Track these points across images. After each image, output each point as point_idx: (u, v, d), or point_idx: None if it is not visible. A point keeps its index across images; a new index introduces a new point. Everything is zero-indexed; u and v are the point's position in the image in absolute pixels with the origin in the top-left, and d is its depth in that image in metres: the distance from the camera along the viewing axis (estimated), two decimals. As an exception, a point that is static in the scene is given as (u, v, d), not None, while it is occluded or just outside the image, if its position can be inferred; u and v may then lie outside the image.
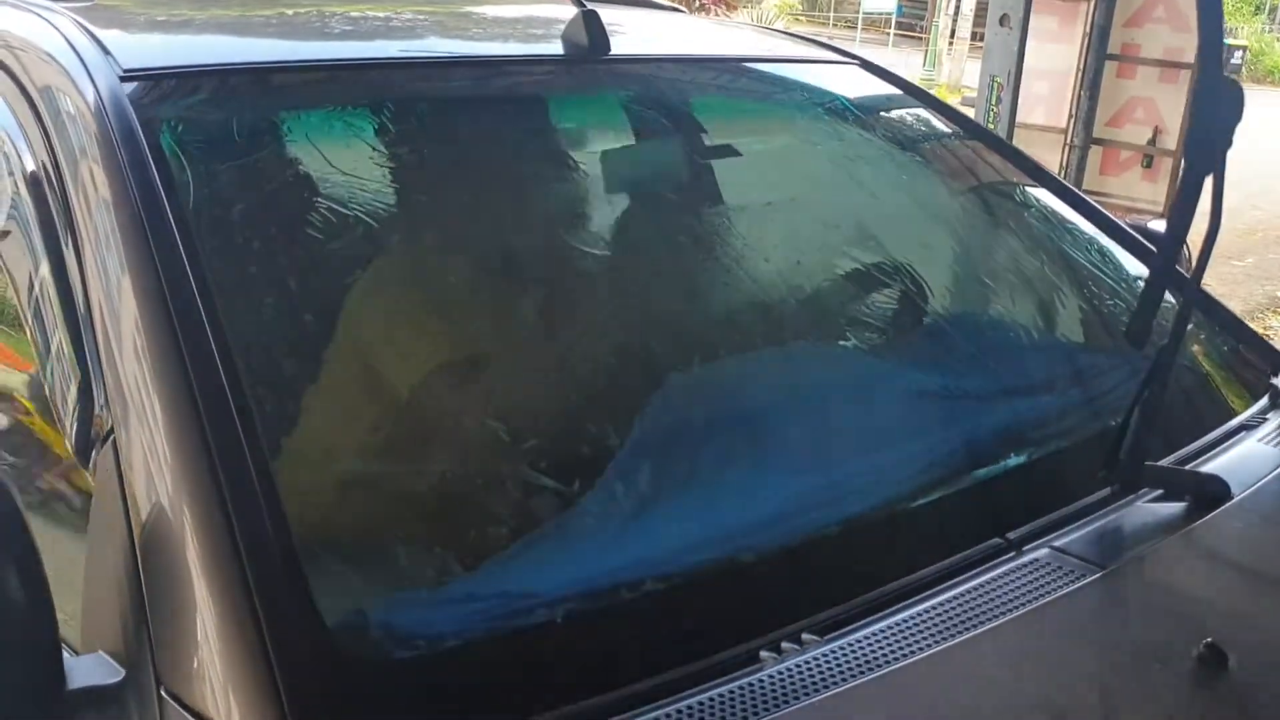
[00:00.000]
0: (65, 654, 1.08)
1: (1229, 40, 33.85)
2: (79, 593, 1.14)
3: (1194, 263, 1.38)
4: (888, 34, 27.37)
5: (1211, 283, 8.60)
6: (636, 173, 1.85)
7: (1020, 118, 4.34)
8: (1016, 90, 4.22)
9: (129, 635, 1.06)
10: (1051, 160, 4.26)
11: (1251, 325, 6.70)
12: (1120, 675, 1.15)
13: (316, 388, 1.26)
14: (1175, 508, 1.40)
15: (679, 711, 1.03)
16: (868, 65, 2.27)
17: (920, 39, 27.08)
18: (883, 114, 2.19)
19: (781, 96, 2.17)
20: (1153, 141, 4.14)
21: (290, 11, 2.05)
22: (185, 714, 0.99)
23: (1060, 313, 1.83)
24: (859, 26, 27.97)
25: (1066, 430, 1.54)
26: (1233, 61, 33.37)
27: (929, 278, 1.75)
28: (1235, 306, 7.98)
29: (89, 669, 1.06)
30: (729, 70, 2.11)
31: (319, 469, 1.18)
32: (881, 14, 28.05)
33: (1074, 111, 4.27)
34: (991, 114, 4.30)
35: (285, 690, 0.96)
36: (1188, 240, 1.80)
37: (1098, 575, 1.26)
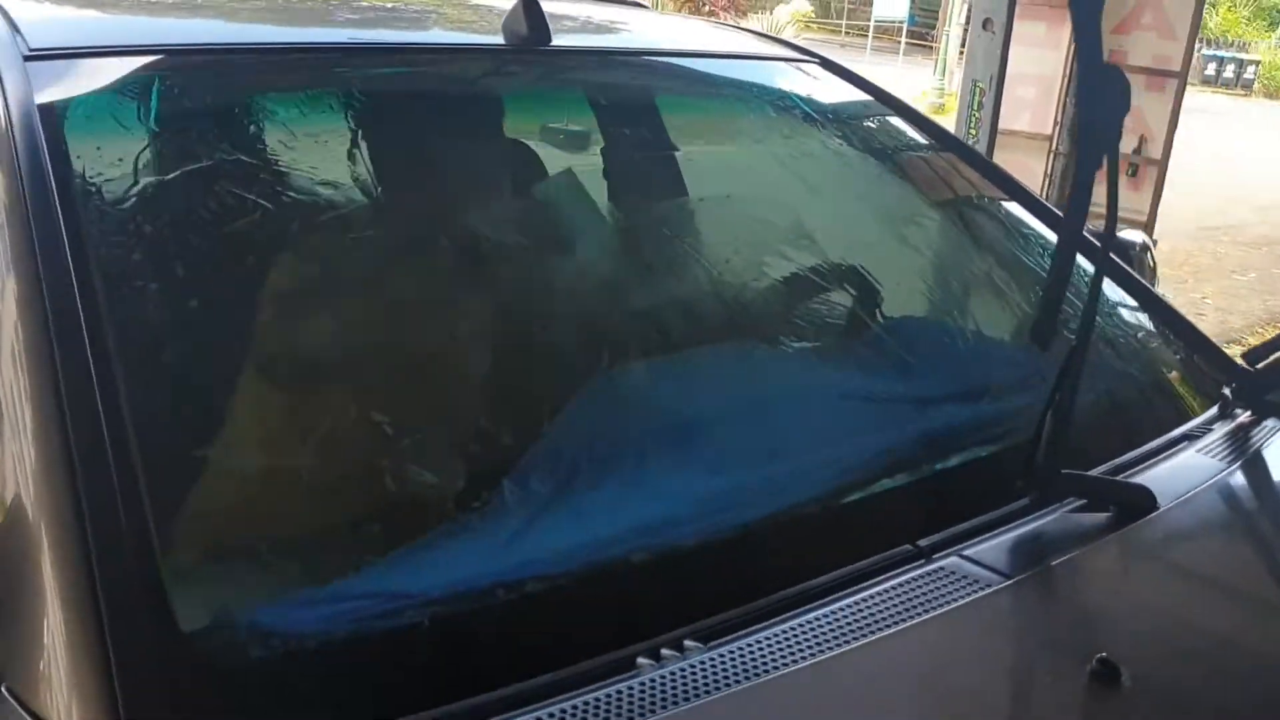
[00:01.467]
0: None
1: (1242, 55, 33.69)
2: None
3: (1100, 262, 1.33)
4: (899, 42, 27.30)
5: (1211, 297, 8.55)
6: (565, 164, 1.82)
7: (1005, 124, 4.29)
8: (999, 95, 4.16)
9: None
10: (1036, 167, 4.21)
11: (1251, 339, 6.61)
12: (1010, 688, 1.11)
13: (190, 386, 1.22)
14: (1095, 519, 1.35)
15: (548, 716, 0.99)
16: (828, 64, 2.23)
17: (932, 47, 27.03)
18: (838, 112, 2.15)
19: (731, 92, 2.13)
20: (1138, 150, 4.09)
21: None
22: (24, 714, 0.96)
23: (992, 315, 1.79)
24: (870, 34, 27.94)
25: (988, 437, 1.50)
26: (1245, 76, 33.18)
27: (855, 279, 1.71)
28: (1235, 320, 7.94)
29: None
30: (678, 64, 2.07)
31: (185, 469, 1.14)
32: (894, 22, 28.00)
33: (1059, 118, 4.22)
34: (973, 119, 4.25)
35: (122, 693, 0.92)
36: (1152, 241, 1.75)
37: (1001, 585, 1.21)
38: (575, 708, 1.01)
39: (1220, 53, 33.67)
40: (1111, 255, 1.40)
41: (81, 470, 1.01)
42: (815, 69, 2.19)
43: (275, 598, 1.09)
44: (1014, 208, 1.93)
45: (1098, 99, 1.10)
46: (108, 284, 1.20)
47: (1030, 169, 4.19)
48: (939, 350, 1.66)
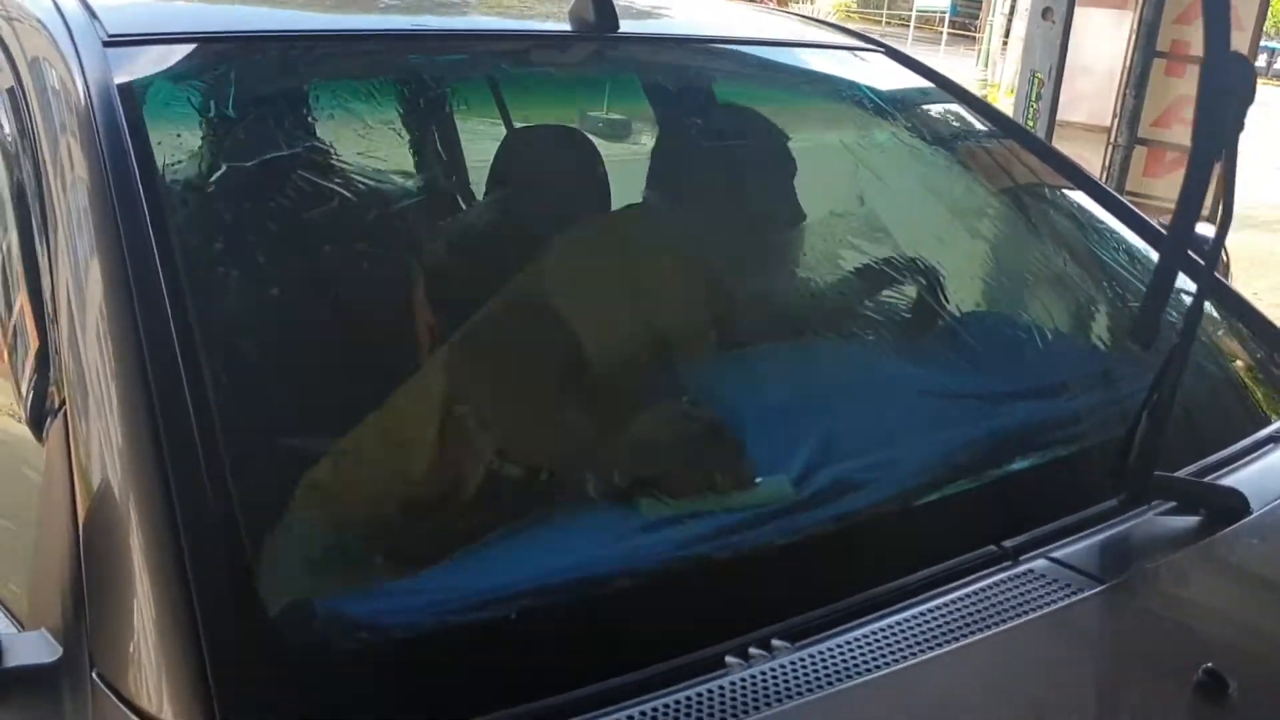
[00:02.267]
0: (11, 629, 1.05)
1: (1267, 42, 33.23)
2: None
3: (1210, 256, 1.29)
4: (941, 32, 27.06)
5: (1262, 292, 8.43)
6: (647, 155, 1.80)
7: (1062, 115, 4.22)
8: (1058, 86, 4.10)
9: (68, 615, 1.02)
10: (1094, 160, 4.14)
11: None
12: (1110, 698, 1.08)
13: (277, 377, 1.22)
14: (1187, 522, 1.32)
15: (634, 716, 0.98)
16: (894, 54, 2.19)
17: (974, 38, 26.77)
18: (909, 104, 2.11)
19: (802, 82, 2.10)
20: (1202, 143, 3.97)
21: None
22: (115, 701, 0.95)
23: (1078, 313, 1.75)
24: (911, 24, 27.72)
25: (1074, 436, 1.47)
26: (1276, 66, 32.57)
27: (939, 275, 1.67)
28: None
29: (28, 646, 1.02)
30: (746, 52, 2.05)
31: (272, 460, 1.13)
32: (936, 12, 27.77)
33: (1119, 110, 4.14)
34: (1031, 110, 4.18)
35: (215, 684, 0.91)
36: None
37: (1096, 589, 1.18)
38: (666, 706, 0.99)
39: (1273, 44, 33.16)
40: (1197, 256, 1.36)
41: (170, 456, 1.01)
42: (882, 58, 2.15)
43: (363, 588, 1.08)
44: (1094, 205, 1.89)
45: (1221, 87, 1.07)
46: (190, 266, 1.19)
47: (1088, 161, 4.11)
48: (1023, 347, 1.63)
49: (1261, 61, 32.38)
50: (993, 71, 22.05)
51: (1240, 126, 1.12)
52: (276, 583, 1.02)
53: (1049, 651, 1.13)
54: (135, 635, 0.97)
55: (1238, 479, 1.44)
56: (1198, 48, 4.15)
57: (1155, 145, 4.19)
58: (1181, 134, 4.08)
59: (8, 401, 1.28)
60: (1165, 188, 4.11)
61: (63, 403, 1.11)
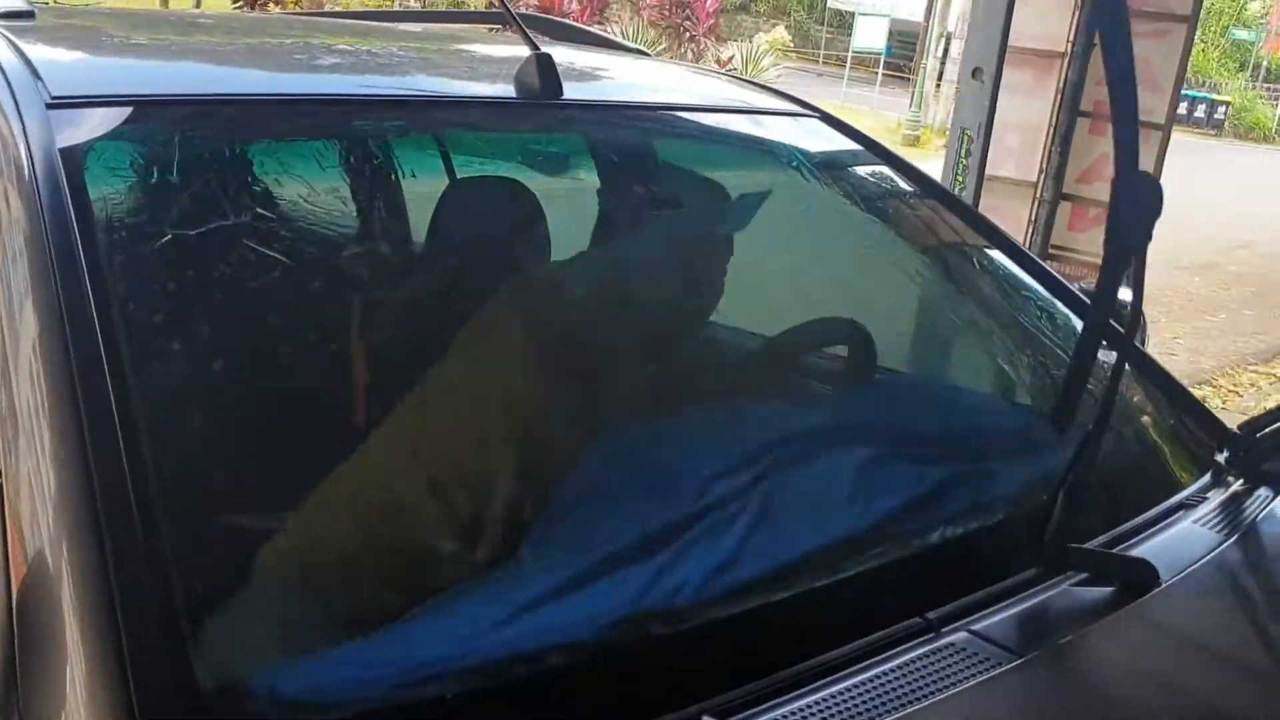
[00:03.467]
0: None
1: (1213, 95, 34.25)
2: None
3: (1125, 342, 1.35)
4: (876, 73, 27.55)
5: (1183, 337, 8.67)
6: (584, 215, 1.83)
7: (991, 170, 4.35)
8: (987, 143, 4.22)
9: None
10: (1020, 214, 4.27)
11: (1221, 380, 6.65)
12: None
13: (216, 437, 1.22)
14: (1101, 593, 1.38)
15: None
16: (828, 118, 2.26)
17: (908, 79, 27.31)
18: (839, 167, 2.18)
19: (739, 146, 2.15)
20: (1121, 199, 4.12)
21: (237, 42, 2.02)
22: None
23: (999, 383, 1.81)
24: (848, 65, 28.19)
25: (993, 509, 1.51)
26: (1216, 117, 33.67)
27: (866, 344, 1.72)
28: (1206, 361, 8.05)
29: None
30: (683, 117, 2.10)
31: (210, 524, 1.14)
32: (871, 53, 28.26)
33: (1044, 166, 4.28)
34: (961, 165, 4.31)
35: None
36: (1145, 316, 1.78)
37: (1014, 663, 1.23)
38: None
39: (1192, 93, 34.29)
40: (1124, 339, 1.42)
41: (107, 528, 1.01)
42: (815, 123, 2.21)
43: (297, 663, 1.09)
44: (1018, 269, 1.96)
45: (1131, 205, 1.13)
46: (128, 322, 1.20)
47: (1016, 214, 4.25)
48: (945, 418, 1.68)
49: (1183, 110, 33.53)
50: (925, 113, 22.52)
51: (1148, 239, 1.18)
52: (211, 657, 1.03)
53: (971, 726, 1.17)
54: (67, 702, 0.97)
55: (1148, 548, 1.50)
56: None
57: (1079, 201, 4.34)
58: (1103, 190, 4.21)
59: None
60: (1088, 241, 4.26)
61: (-3, 480, 1.11)
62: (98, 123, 1.44)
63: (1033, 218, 4.30)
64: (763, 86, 2.52)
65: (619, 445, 1.42)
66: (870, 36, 27.09)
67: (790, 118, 2.23)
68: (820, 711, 1.13)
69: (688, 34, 19.42)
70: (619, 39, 2.62)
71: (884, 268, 2.04)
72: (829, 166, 2.15)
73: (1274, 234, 14.00)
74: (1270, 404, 7.58)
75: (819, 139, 2.19)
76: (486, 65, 2.07)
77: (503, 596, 1.18)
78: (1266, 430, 1.79)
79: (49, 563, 1.03)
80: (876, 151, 2.18)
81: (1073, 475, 1.29)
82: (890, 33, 27.17)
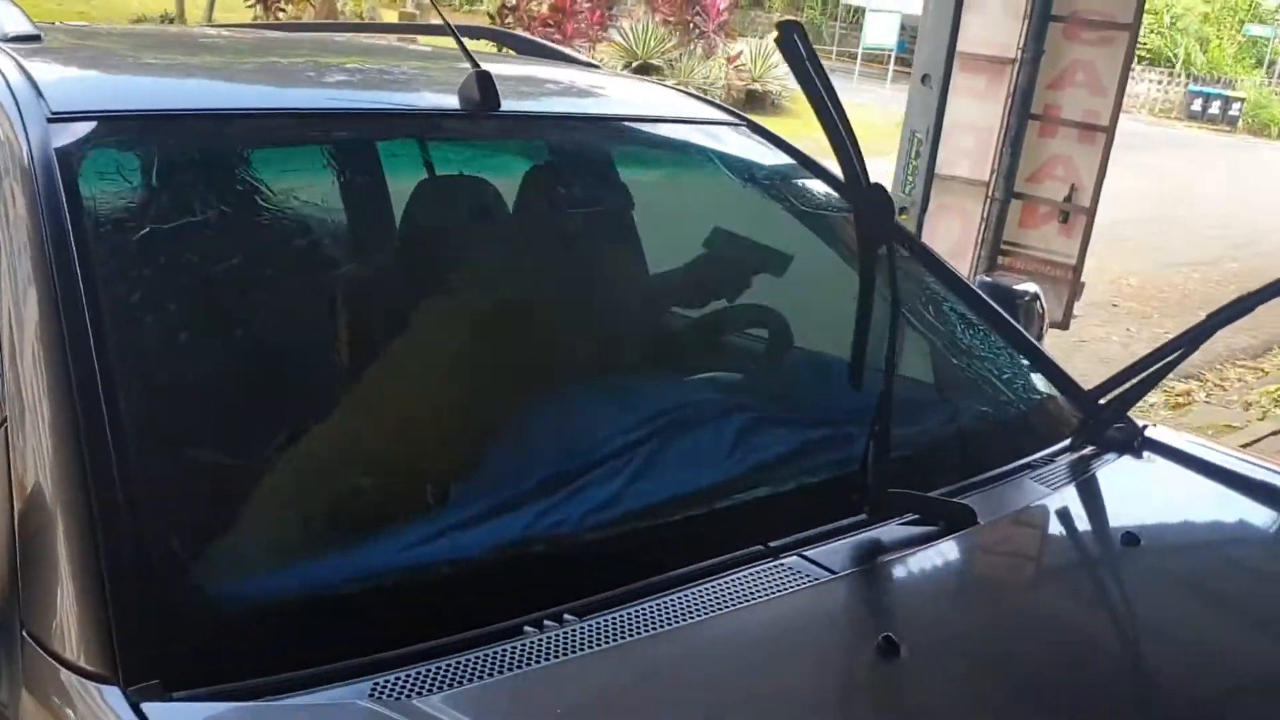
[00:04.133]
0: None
1: (1227, 92, 34.01)
2: None
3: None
4: (887, 69, 27.70)
5: (1173, 331, 8.82)
6: (513, 221, 2.11)
7: (945, 170, 4.60)
8: (935, 145, 4.48)
9: (3, 588, 1.31)
10: (974, 212, 4.52)
11: (1209, 375, 6.78)
12: (816, 656, 1.40)
13: (177, 393, 1.51)
14: (921, 530, 1.64)
15: (440, 668, 1.27)
16: (755, 127, 2.51)
17: (920, 76, 27.44)
18: (762, 173, 2.43)
19: (666, 154, 2.42)
20: (1069, 198, 4.39)
21: (225, 60, 2.30)
22: (41, 652, 1.24)
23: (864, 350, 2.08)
24: (858, 61, 28.33)
25: (842, 456, 1.77)
26: (1230, 113, 33.48)
27: (751, 320, 1.99)
28: (1196, 357, 8.20)
29: None
30: (615, 128, 2.36)
31: (171, 465, 1.43)
32: (883, 50, 28.41)
33: (996, 166, 4.53)
34: (911, 167, 4.57)
35: (117, 635, 1.21)
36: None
37: (829, 578, 1.50)
38: (474, 659, 1.30)
39: (1207, 89, 34.27)
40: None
41: (89, 460, 1.30)
42: (743, 131, 2.47)
43: (229, 565, 1.38)
44: (922, 269, 2.21)
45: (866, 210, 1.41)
46: (113, 302, 1.47)
47: (969, 212, 4.50)
48: (806, 379, 1.96)
49: (1198, 106, 33.49)
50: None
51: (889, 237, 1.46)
52: (168, 557, 1.32)
53: (782, 622, 1.45)
54: (58, 603, 1.26)
55: (981, 497, 1.76)
56: (1069, 111, 4.58)
57: (1029, 200, 4.59)
58: (1054, 190, 4.48)
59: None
60: (1038, 238, 4.51)
61: (3, 420, 1.40)
62: (92, 135, 1.71)
63: (985, 215, 4.55)
64: (700, 98, 2.78)
65: (511, 394, 1.71)
66: (881, 33, 27.25)
67: (721, 126, 2.50)
68: (661, 610, 1.41)
69: (697, 30, 19.64)
70: (573, 52, 2.88)
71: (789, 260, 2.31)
72: (751, 171, 2.41)
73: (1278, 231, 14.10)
74: (1252, 397, 7.74)
75: (745, 146, 2.45)
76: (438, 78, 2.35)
77: (401, 511, 1.48)
78: (1113, 395, 2.04)
79: (45, 493, 1.31)
80: (797, 158, 2.42)
81: (877, 429, 1.52)
82: (902, 27, 27.29)
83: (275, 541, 1.42)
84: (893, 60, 28.06)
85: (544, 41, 2.95)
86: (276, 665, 1.24)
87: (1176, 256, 11.77)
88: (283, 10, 14.45)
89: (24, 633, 1.27)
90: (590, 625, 1.37)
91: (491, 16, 15.68)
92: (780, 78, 18.74)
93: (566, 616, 1.39)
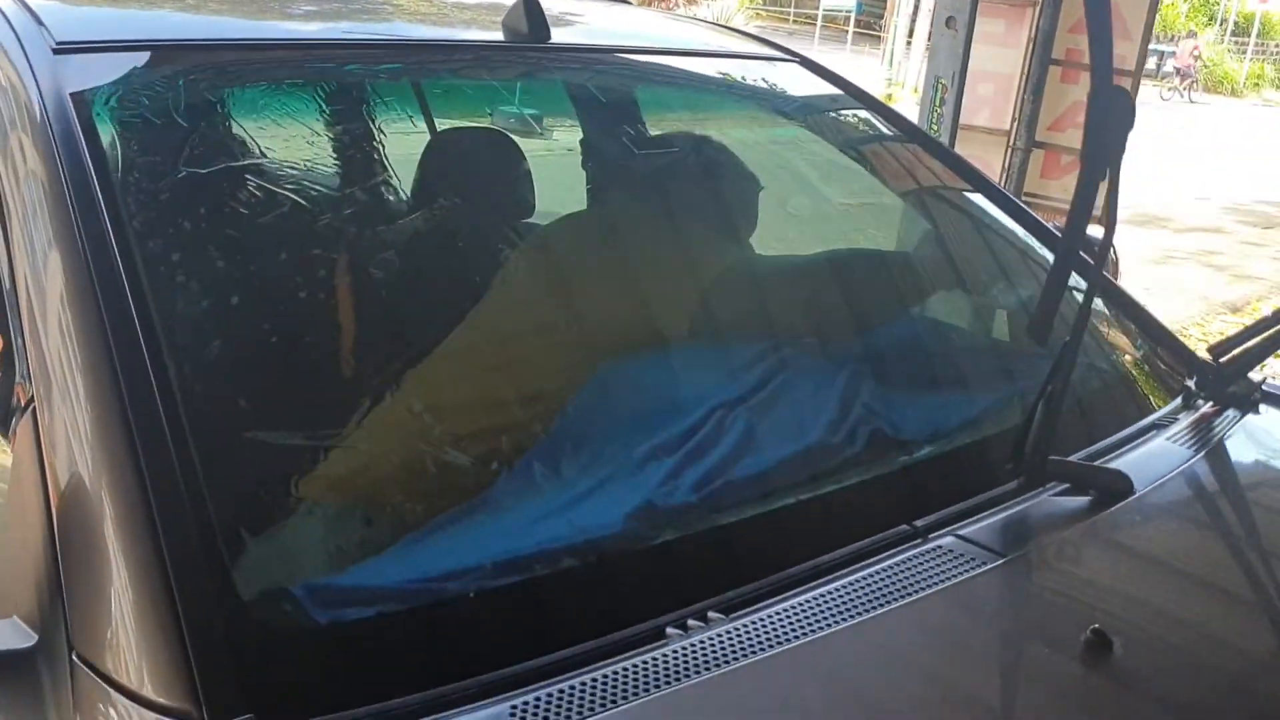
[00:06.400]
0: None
1: (1156, 45, 34.29)
2: None
3: (1098, 258, 1.43)
4: (847, 31, 27.52)
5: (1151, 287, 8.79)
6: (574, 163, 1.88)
7: (964, 119, 4.40)
8: (961, 92, 4.27)
9: (43, 602, 1.08)
10: (994, 162, 4.33)
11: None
12: (1010, 656, 1.20)
13: (240, 364, 1.28)
14: (1079, 501, 1.45)
15: (583, 684, 1.06)
16: (808, 63, 2.31)
17: (879, 37, 27.27)
18: (820, 111, 2.23)
19: (721, 90, 2.21)
20: (1093, 146, 4.18)
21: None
22: (96, 679, 1.01)
23: (980, 311, 1.88)
24: (818, 23, 28.13)
25: (978, 424, 1.59)
26: (1165, 68, 33.74)
27: (853, 273, 1.79)
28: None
29: (2, 634, 1.07)
30: (668, 62, 2.14)
31: (240, 445, 1.20)
32: (841, 11, 28.21)
33: (1017, 115, 4.34)
34: (935, 115, 4.37)
35: (196, 660, 0.98)
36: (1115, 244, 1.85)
37: (998, 562, 1.30)
38: (609, 675, 1.08)
39: (1161, 47, 34.38)
40: (1088, 257, 1.49)
41: (142, 446, 1.06)
42: (796, 68, 2.27)
43: (328, 572, 1.15)
44: (994, 208, 2.02)
45: (1105, 118, 1.19)
46: (148, 262, 1.24)
47: (989, 163, 4.30)
48: (932, 343, 1.75)
49: (1152, 65, 33.64)
50: (897, 71, 22.52)
51: (1122, 150, 1.24)
52: (250, 566, 1.09)
53: (956, 618, 1.24)
54: (114, 619, 1.03)
55: (1124, 462, 1.58)
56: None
57: (1051, 148, 4.39)
58: (1075, 138, 4.28)
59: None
60: (1060, 189, 4.32)
61: (29, 401, 1.16)
62: (102, 66, 1.48)
63: (1006, 165, 4.36)
64: (746, 34, 2.57)
65: (626, 369, 1.49)
66: (840, -6, 27.06)
67: (772, 62, 2.29)
68: (813, 606, 1.20)
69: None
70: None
71: (866, 209, 2.11)
72: (810, 110, 2.20)
73: (1231, 187, 14.18)
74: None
75: (800, 83, 2.25)
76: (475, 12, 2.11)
77: (513, 508, 1.25)
78: (1231, 354, 1.87)
79: (88, 486, 1.08)
80: (856, 95, 2.23)
81: (1050, 391, 1.36)
82: (860, -10, 27.14)
83: (383, 541, 1.19)
84: (852, 22, 27.88)
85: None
86: (393, 689, 1.02)
87: (1145, 209, 11.72)
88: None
89: (73, 655, 1.04)
90: (740, 626, 1.16)
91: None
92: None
93: (711, 615, 1.18)
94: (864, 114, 2.24)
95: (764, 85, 2.25)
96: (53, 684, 1.05)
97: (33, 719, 1.05)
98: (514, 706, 1.02)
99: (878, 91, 20.71)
